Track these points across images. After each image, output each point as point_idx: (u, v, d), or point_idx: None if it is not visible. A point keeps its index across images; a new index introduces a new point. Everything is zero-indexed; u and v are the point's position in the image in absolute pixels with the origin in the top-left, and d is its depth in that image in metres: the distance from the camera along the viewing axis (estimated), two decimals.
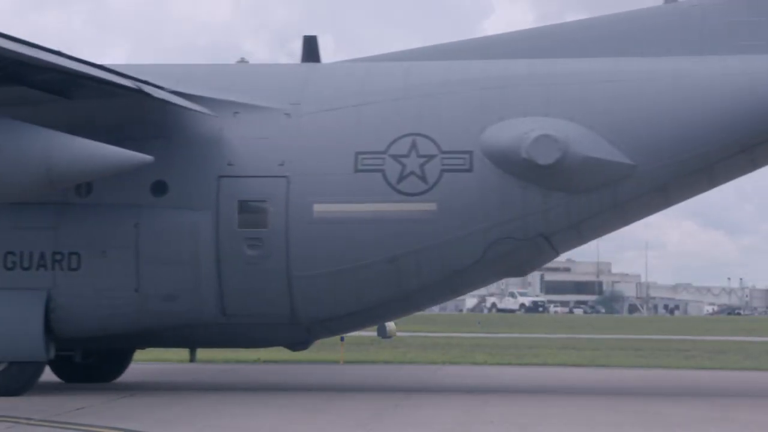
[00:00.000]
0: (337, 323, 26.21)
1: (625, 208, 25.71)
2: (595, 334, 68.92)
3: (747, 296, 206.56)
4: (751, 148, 25.46)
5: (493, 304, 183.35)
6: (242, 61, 30.67)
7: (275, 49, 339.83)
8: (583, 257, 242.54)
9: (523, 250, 25.60)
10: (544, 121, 25.03)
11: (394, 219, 25.01)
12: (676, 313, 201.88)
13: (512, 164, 24.82)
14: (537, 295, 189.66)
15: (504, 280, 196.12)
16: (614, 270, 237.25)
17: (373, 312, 26.07)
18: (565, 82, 25.65)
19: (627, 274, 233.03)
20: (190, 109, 25.31)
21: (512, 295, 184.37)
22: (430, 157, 25.09)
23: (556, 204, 25.12)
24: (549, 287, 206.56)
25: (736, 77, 25.32)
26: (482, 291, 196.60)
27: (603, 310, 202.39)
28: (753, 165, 26.47)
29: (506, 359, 39.22)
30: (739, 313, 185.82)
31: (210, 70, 27.85)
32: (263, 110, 25.83)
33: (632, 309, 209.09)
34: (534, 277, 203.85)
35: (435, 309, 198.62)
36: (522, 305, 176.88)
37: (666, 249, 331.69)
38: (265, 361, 37.98)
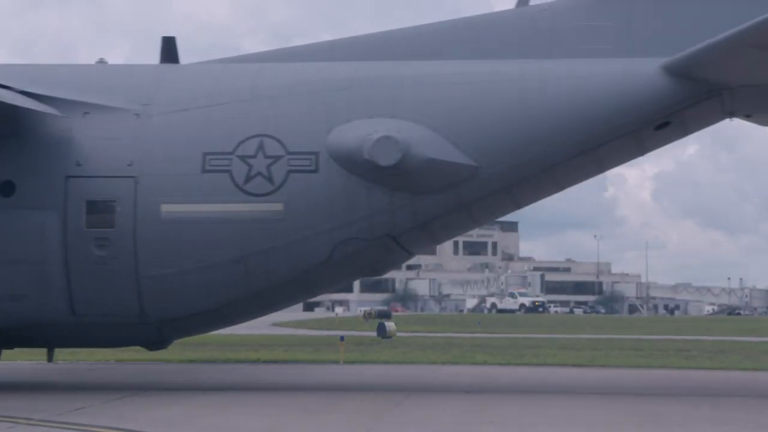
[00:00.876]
0: (187, 323, 26.29)
1: (472, 208, 26.00)
2: (595, 334, 68.92)
3: (747, 296, 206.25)
4: (593, 150, 25.75)
5: (493, 305, 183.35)
6: (101, 61, 30.56)
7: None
8: (583, 257, 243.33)
9: (372, 250, 25.85)
10: (388, 122, 25.25)
11: (241, 219, 25.19)
12: (676, 313, 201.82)
13: (356, 165, 25.04)
14: (537, 296, 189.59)
15: (504, 281, 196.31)
16: (614, 270, 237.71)
17: (223, 312, 26.16)
18: (412, 84, 25.88)
19: (627, 274, 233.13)
20: (38, 110, 25.21)
21: (512, 295, 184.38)
22: (277, 158, 25.27)
23: (401, 204, 25.38)
24: (549, 287, 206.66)
25: (577, 80, 25.58)
26: (482, 291, 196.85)
27: (603, 310, 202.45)
28: (599, 167, 26.83)
29: (506, 359, 39.21)
30: (739, 313, 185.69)
31: (65, 70, 27.94)
32: (113, 111, 25.91)
33: (632, 309, 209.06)
34: (534, 277, 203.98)
35: (435, 309, 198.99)
36: (522, 305, 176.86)
37: (666, 249, 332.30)
38: (265, 361, 37.99)
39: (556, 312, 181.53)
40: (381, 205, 25.28)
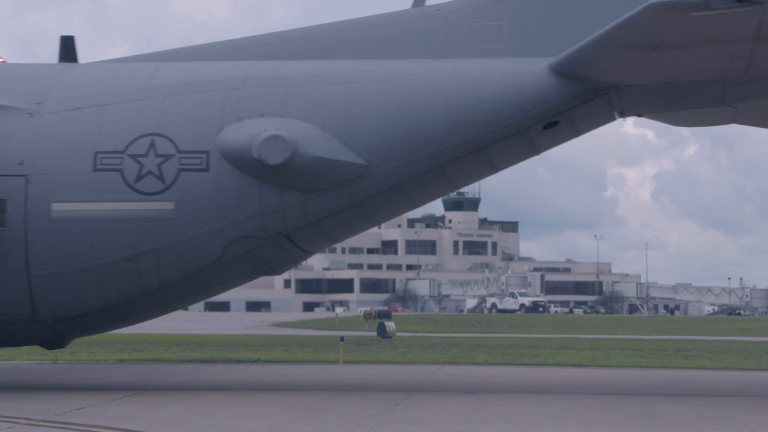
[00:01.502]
0: (81, 322, 26.34)
1: (365, 207, 26.18)
2: (595, 334, 68.93)
3: (747, 296, 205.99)
4: (484, 149, 25.92)
5: (493, 305, 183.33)
6: None
7: None
8: (583, 257, 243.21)
9: (265, 248, 25.99)
10: (278, 121, 25.39)
11: (132, 218, 25.32)
12: (676, 313, 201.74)
13: (246, 164, 25.17)
14: (537, 296, 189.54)
15: (504, 281, 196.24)
16: (614, 270, 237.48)
17: (117, 310, 26.24)
18: (304, 83, 26.04)
19: (627, 275, 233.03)
20: None
21: (512, 295, 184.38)
22: (168, 156, 25.37)
23: (292, 203, 25.55)
24: (549, 287, 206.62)
25: (466, 80, 25.76)
26: (482, 291, 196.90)
27: (603, 310, 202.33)
28: (491, 167, 26.98)
29: (506, 359, 39.23)
30: (739, 313, 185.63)
31: None
32: (6, 110, 25.93)
33: (632, 309, 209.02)
34: (534, 277, 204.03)
35: (435, 309, 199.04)
36: (522, 305, 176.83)
37: (666, 249, 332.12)
38: (265, 361, 37.99)
39: (556, 312, 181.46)
40: (272, 204, 25.45)
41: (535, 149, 26.79)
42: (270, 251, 26.08)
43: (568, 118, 25.91)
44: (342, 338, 42.35)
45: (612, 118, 26.76)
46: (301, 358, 39.60)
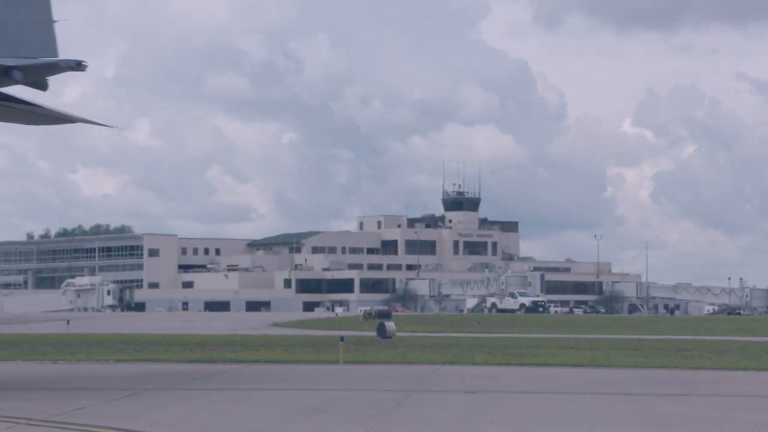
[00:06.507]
0: None
1: None
2: (595, 334, 68.93)
3: (747, 296, 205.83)
4: None
5: (493, 305, 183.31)
6: None
7: (272, 49, 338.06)
8: (583, 257, 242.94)
9: None
10: None
11: None
12: (676, 313, 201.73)
13: None
14: (537, 295, 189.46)
15: (504, 281, 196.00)
16: (614, 270, 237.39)
17: None
18: None
19: (627, 274, 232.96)
20: None
21: (512, 295, 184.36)
22: None
23: None
24: (549, 287, 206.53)
25: None
26: (482, 291, 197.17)
27: (603, 310, 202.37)
28: None
29: (506, 359, 39.22)
30: (739, 313, 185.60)
31: None
32: None
33: (632, 309, 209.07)
34: (534, 277, 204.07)
35: (435, 309, 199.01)
36: (522, 305, 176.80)
37: (666, 249, 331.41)
38: (265, 361, 37.99)
39: (556, 312, 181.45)
40: None
41: None
42: None
43: None
44: (342, 338, 42.31)
45: None
46: (301, 358, 39.60)
